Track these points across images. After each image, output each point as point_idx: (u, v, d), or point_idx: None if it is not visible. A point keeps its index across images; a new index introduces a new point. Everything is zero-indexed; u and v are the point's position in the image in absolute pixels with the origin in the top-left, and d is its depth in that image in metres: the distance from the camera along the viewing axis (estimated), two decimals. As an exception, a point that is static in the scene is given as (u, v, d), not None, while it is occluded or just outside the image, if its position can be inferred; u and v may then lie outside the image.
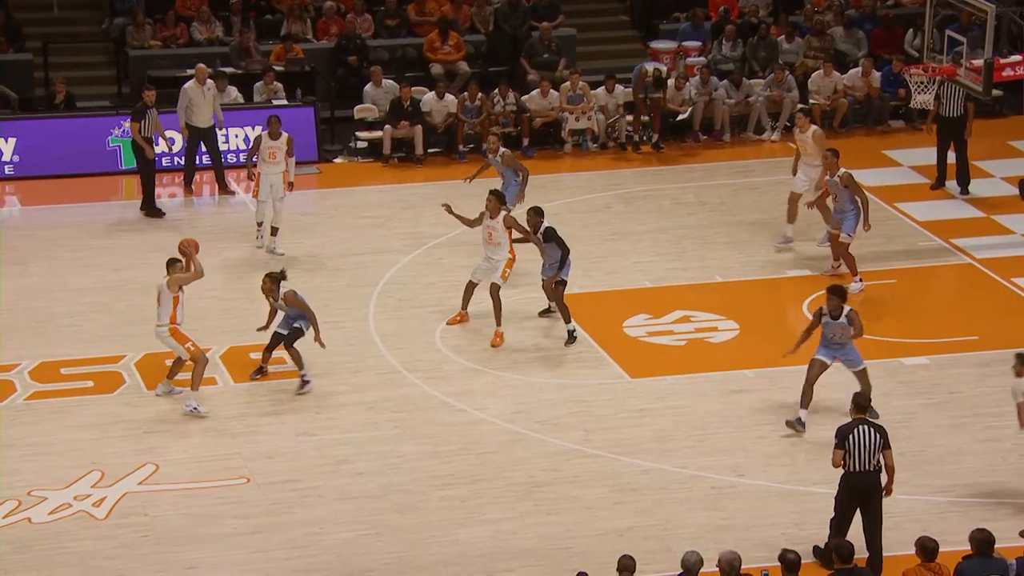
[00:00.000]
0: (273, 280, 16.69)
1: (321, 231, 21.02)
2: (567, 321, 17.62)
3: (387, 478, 15.12)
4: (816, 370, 15.74)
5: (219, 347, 17.54)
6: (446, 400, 16.53)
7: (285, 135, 20.05)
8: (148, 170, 21.46)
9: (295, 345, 16.71)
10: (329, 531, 14.24)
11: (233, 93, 23.74)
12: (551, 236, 17.48)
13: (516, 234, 17.60)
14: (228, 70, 24.38)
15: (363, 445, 15.72)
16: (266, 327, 16.94)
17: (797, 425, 15.81)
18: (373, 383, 16.92)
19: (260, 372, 17.00)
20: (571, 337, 17.63)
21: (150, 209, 21.45)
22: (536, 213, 17.62)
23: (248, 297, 19.01)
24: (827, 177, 18.90)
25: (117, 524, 14.36)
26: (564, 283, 17.67)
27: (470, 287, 17.92)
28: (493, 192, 17.74)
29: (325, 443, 15.74)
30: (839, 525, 13.40)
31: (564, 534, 14.17)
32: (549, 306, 18.06)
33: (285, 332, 16.71)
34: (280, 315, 16.82)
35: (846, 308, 15.64)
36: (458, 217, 18.03)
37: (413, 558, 13.85)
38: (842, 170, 18.69)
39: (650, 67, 23.94)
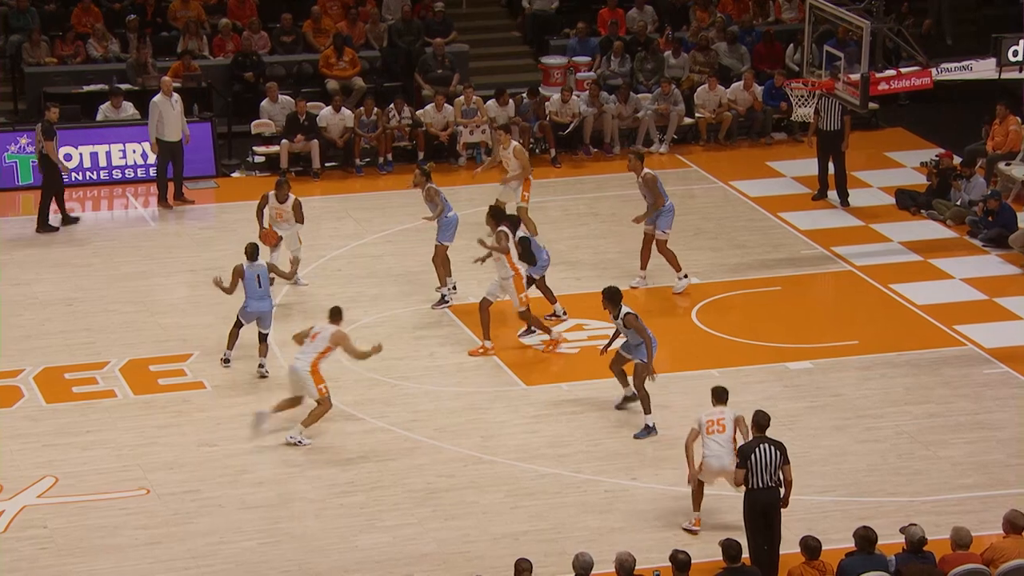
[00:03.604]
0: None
1: (219, 244, 21.03)
2: (646, 412, 16.17)
3: (287, 487, 15.25)
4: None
5: (118, 360, 17.63)
6: (345, 409, 16.63)
7: (292, 198, 19.44)
8: (57, 187, 21.42)
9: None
10: (230, 540, 14.31)
11: (130, 109, 23.73)
12: (630, 323, 16.10)
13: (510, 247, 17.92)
14: (125, 86, 24.38)
15: (263, 455, 15.82)
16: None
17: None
18: (272, 394, 16.94)
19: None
20: (646, 429, 16.19)
21: (44, 226, 21.47)
22: (610, 299, 16.25)
23: (149, 311, 19.13)
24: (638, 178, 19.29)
25: (16, 537, 14.32)
26: (649, 370, 16.17)
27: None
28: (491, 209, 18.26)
29: (225, 453, 15.81)
30: (753, 540, 13.38)
31: (462, 538, 14.35)
32: (629, 394, 16.63)
33: None
34: None
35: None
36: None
37: (313, 565, 13.96)
38: (646, 171, 19.28)
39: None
